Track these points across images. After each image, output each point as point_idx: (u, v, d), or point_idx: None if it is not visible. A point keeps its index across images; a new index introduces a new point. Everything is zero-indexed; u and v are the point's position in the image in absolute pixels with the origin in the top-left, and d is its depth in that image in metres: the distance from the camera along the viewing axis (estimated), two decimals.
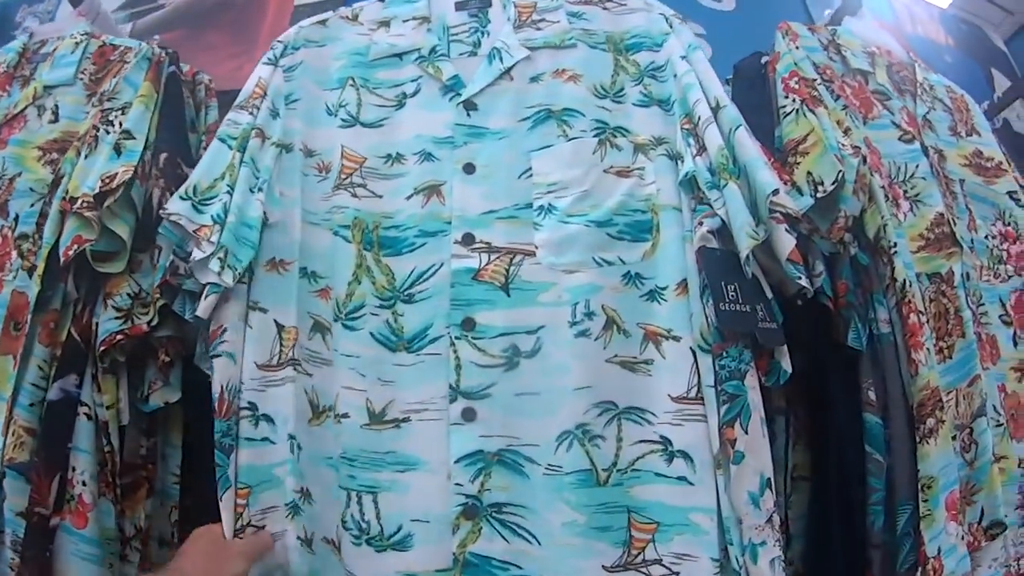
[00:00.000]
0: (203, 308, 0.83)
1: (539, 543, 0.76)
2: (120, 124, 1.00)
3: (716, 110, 0.91)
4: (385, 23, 1.05)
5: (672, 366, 0.81)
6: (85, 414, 0.89)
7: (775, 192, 0.83)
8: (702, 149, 0.89)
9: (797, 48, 1.12)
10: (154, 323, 0.91)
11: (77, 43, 1.17)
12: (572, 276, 0.84)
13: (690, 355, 0.81)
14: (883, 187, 1.00)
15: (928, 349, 0.92)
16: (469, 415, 0.80)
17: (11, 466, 0.85)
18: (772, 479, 0.78)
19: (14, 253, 0.99)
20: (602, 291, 0.83)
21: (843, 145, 0.95)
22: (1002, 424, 1.00)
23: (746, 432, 0.76)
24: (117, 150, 0.96)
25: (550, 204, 0.87)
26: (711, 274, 0.82)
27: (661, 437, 0.79)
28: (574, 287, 0.83)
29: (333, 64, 1.03)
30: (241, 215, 0.87)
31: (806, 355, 0.94)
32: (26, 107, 1.13)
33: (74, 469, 0.87)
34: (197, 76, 1.19)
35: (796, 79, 1.05)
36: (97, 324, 0.91)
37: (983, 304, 1.09)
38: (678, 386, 0.80)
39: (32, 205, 1.02)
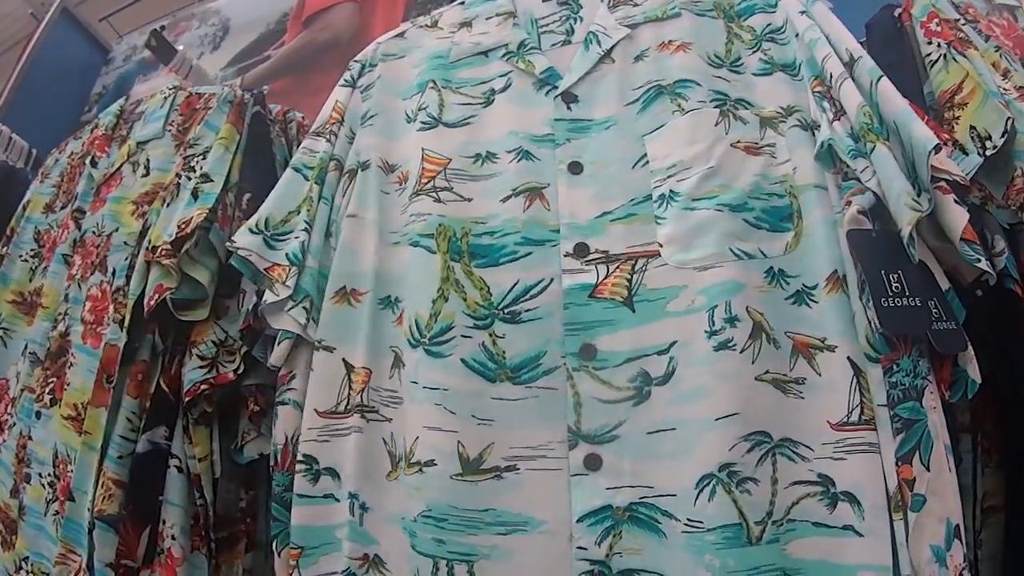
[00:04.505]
0: (277, 356, 0.78)
1: None
2: (200, 169, 0.99)
3: (850, 64, 0.77)
4: (467, 23, 0.98)
5: (829, 384, 0.65)
6: (176, 467, 0.86)
7: (936, 149, 0.66)
8: (840, 112, 0.75)
9: None
10: (240, 371, 0.87)
11: (165, 97, 1.19)
12: (706, 274, 0.69)
13: (848, 368, 0.65)
14: None
15: None
16: (593, 463, 0.66)
17: (100, 518, 0.83)
18: (962, 526, 0.61)
19: (111, 307, 0.99)
20: (745, 290, 0.68)
21: (1005, 90, 0.80)
22: None
23: (927, 468, 0.60)
24: (195, 195, 0.95)
25: (671, 191, 0.74)
26: (867, 262, 0.66)
27: (820, 476, 0.62)
28: (710, 287, 0.68)
29: (412, 72, 0.95)
30: (322, 264, 0.82)
31: (990, 355, 0.74)
32: (122, 165, 1.17)
33: (164, 522, 0.84)
34: (288, 115, 1.18)
35: (937, 21, 0.90)
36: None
37: None
38: (838, 410, 0.64)
39: (126, 259, 1.03)
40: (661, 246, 0.72)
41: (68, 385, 1.01)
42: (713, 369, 0.65)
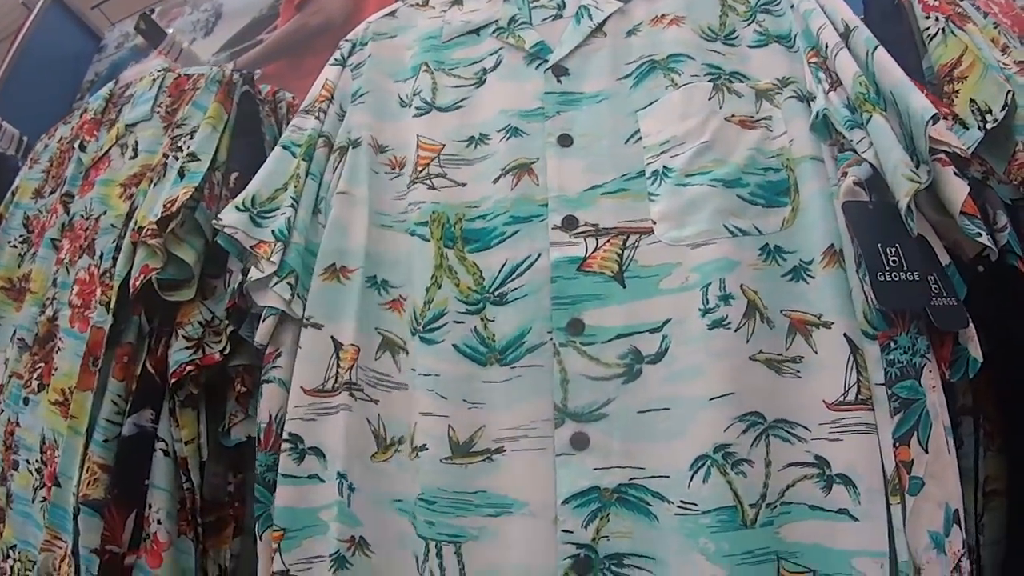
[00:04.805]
0: (262, 333, 0.76)
1: None
2: (187, 148, 0.98)
3: (846, 35, 0.75)
4: (458, 1, 0.97)
5: (825, 363, 0.63)
6: (162, 450, 0.84)
7: (934, 119, 0.64)
8: (836, 83, 0.73)
9: None
10: (227, 352, 0.85)
11: (154, 79, 1.18)
12: (700, 251, 0.67)
13: (845, 345, 0.63)
14: None
15: None
16: (580, 442, 0.64)
17: (85, 502, 0.81)
18: (961, 511, 0.59)
19: (99, 290, 0.98)
20: (739, 268, 0.66)
21: (1004, 64, 0.77)
22: None
23: (926, 450, 0.57)
24: (181, 174, 0.93)
25: (665, 167, 0.72)
26: (863, 235, 0.64)
27: (816, 457, 0.60)
28: (703, 264, 0.67)
29: (406, 54, 0.94)
30: (309, 239, 0.80)
31: (992, 333, 0.71)
32: (110, 148, 1.16)
33: (150, 507, 0.82)
34: (278, 95, 1.16)
35: None
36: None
37: None
38: (834, 388, 0.62)
39: (113, 241, 1.01)
40: (655, 223, 0.70)
41: (56, 370, 1.00)
42: (707, 348, 0.64)
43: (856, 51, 0.74)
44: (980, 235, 0.63)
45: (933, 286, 0.63)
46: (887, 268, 0.62)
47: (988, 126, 0.73)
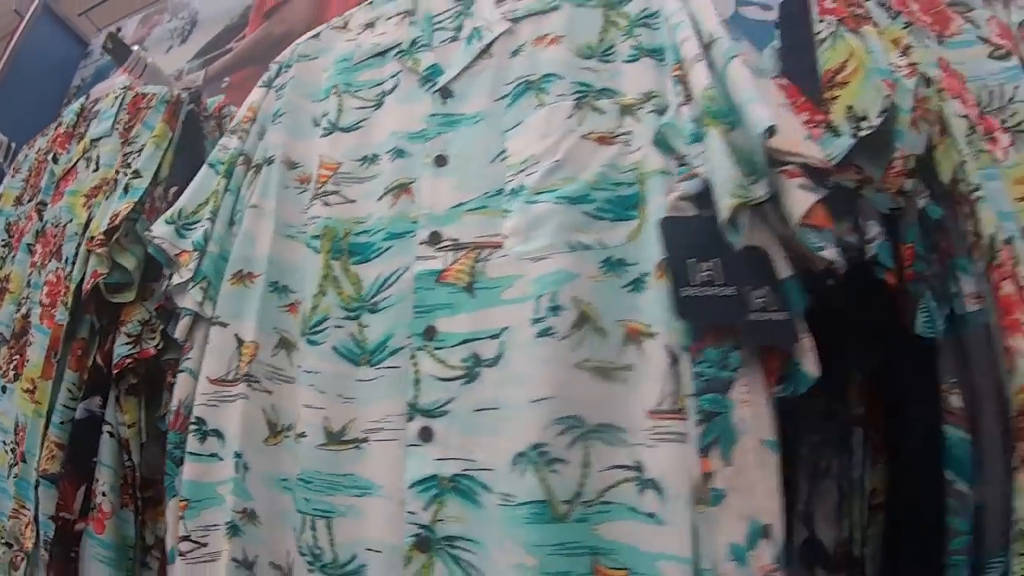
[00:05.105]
0: (179, 330, 0.88)
1: None
2: (134, 165, 1.10)
3: (708, 46, 0.76)
4: (371, 24, 1.01)
5: (649, 372, 0.66)
6: (108, 432, 0.98)
7: (768, 132, 0.64)
8: (689, 96, 0.74)
9: None
10: (160, 347, 0.97)
11: (116, 97, 1.29)
12: (540, 264, 0.71)
13: (665, 356, 0.65)
14: (967, 117, 0.78)
15: None
16: (426, 435, 0.71)
17: (44, 476, 0.95)
18: (777, 526, 0.60)
19: (63, 291, 1.11)
20: (576, 280, 0.69)
21: (896, 67, 0.76)
22: None
23: (728, 463, 0.60)
24: (126, 189, 1.06)
25: (520, 185, 0.76)
26: (676, 250, 0.66)
27: (635, 462, 0.64)
28: (540, 277, 0.70)
29: (323, 76, 1.00)
30: (223, 248, 0.90)
31: (875, 349, 0.76)
32: (78, 161, 1.27)
33: (97, 481, 0.96)
34: (224, 110, 1.28)
35: None
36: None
37: None
38: (654, 397, 0.64)
39: (76, 247, 1.13)
40: (505, 238, 0.75)
41: (28, 362, 1.12)
42: (532, 355, 0.68)
43: (715, 64, 0.74)
44: (822, 248, 0.63)
45: (758, 301, 0.63)
46: (695, 283, 0.64)
47: (862, 133, 0.71)
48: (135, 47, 1.43)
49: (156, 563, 0.98)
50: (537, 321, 0.68)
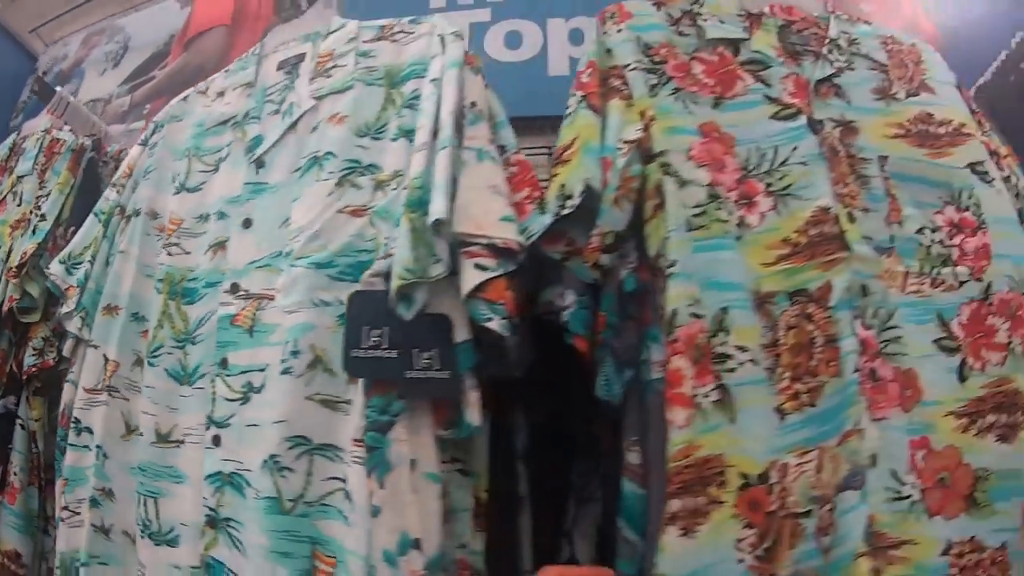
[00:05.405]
0: (67, 349, 1.11)
1: (247, 556, 0.83)
2: (41, 208, 1.35)
3: (436, 133, 0.86)
4: (221, 93, 1.13)
5: (358, 407, 0.81)
6: (20, 425, 1.25)
7: (437, 223, 0.78)
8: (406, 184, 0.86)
9: (619, 31, 0.91)
10: (57, 359, 1.21)
11: (37, 139, 1.52)
12: (292, 316, 0.85)
13: (362, 396, 0.81)
14: (710, 185, 0.80)
15: (699, 402, 0.72)
16: (216, 441, 0.88)
17: None
18: (432, 541, 0.77)
19: None
20: (314, 331, 0.84)
21: (620, 144, 0.81)
22: (907, 497, 0.72)
23: (382, 487, 0.76)
24: (34, 230, 1.31)
25: (290, 249, 0.89)
26: (354, 319, 0.81)
27: (344, 475, 0.81)
28: (292, 327, 0.85)
29: (183, 136, 1.12)
30: (98, 285, 1.07)
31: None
32: (7, 193, 1.49)
33: (11, 463, 1.22)
34: (122, 153, 1.48)
35: (590, 72, 0.89)
36: None
37: (895, 327, 0.79)
38: (355, 428, 0.80)
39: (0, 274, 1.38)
40: (277, 292, 0.89)
41: None
42: (279, 387, 0.84)
43: (433, 152, 0.84)
44: (489, 319, 0.76)
45: (424, 361, 0.77)
46: (365, 346, 0.79)
47: (564, 212, 0.79)
48: (58, 88, 1.66)
49: (54, 530, 1.18)
50: (283, 361, 0.84)
